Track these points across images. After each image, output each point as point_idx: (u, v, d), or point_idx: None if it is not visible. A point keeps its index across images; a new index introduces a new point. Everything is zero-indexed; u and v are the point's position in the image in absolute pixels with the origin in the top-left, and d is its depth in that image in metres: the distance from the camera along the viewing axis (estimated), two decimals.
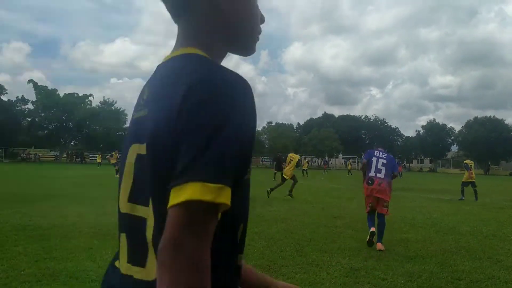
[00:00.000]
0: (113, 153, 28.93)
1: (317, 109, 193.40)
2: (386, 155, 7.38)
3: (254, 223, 8.57)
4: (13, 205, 10.24)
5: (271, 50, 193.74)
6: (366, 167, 7.26)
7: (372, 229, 6.73)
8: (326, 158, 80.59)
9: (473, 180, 15.80)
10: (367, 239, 6.65)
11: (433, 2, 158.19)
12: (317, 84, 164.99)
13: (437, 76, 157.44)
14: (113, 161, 28.43)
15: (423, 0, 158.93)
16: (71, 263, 5.07)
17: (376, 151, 7.45)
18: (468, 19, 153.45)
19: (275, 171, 27.89)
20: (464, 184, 16.01)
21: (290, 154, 15.79)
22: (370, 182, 7.08)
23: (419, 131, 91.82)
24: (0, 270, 4.70)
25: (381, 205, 7.01)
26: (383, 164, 7.13)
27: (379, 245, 6.56)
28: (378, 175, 7.05)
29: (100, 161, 46.29)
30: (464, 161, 17.17)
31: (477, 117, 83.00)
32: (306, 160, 54.80)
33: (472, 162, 17.09)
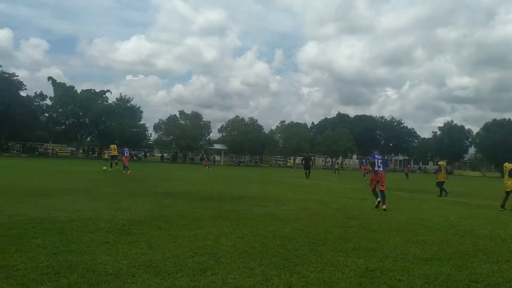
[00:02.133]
0: (112, 146, 30.35)
1: (331, 109, 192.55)
2: (381, 156, 12.51)
3: (268, 222, 8.58)
4: (31, 199, 10.41)
5: (285, 49, 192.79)
6: (372, 164, 12.26)
7: (378, 199, 11.84)
8: (340, 158, 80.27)
9: (444, 180, 18.05)
10: (375, 205, 11.80)
11: (451, 2, 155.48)
12: (331, 83, 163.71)
13: (454, 77, 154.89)
14: (114, 153, 29.38)
15: (440, 0, 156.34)
16: (88, 256, 5.13)
17: (375, 154, 12.41)
18: (487, 20, 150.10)
19: (306, 171, 30.01)
20: (440, 183, 18.01)
21: (506, 164, 14.02)
22: (376, 173, 12.07)
23: (435, 133, 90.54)
24: (19, 262, 4.77)
25: (381, 184, 11.93)
26: (380, 163, 12.20)
27: (384, 206, 11.51)
28: (379, 169, 12.10)
29: (107, 157, 46.60)
30: (438, 163, 19.25)
31: (495, 119, 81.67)
32: (337, 161, 56.55)
33: (444, 163, 18.78)
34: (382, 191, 11.78)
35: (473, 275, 5.17)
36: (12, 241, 5.75)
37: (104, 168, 28.20)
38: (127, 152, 27.89)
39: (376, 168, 12.08)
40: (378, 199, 11.79)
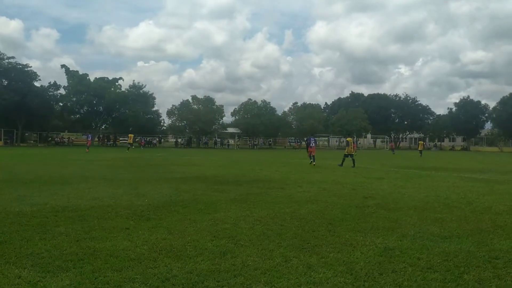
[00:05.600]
0: (130, 135, 44.72)
1: (344, 88, 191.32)
2: (314, 139, 23.20)
3: (285, 204, 8.63)
4: (51, 187, 10.61)
5: (295, 29, 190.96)
6: (309, 143, 22.49)
7: (313, 163, 20.86)
8: (355, 138, 79.71)
9: (352, 153, 21.91)
10: (312, 164, 20.83)
11: None
12: (343, 63, 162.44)
13: (468, 51, 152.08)
14: (130, 141, 43.42)
15: None
16: (110, 243, 5.23)
17: (311, 137, 23.05)
18: None
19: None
20: (346, 155, 21.77)
21: None
22: (311, 147, 22.05)
23: (451, 109, 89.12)
24: (44, 250, 4.89)
25: (313, 153, 21.58)
26: (313, 141, 22.72)
27: (314, 163, 20.76)
28: (313, 145, 22.31)
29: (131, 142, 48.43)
30: (346, 139, 24.99)
31: None
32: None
33: (351, 139, 23.60)
34: (313, 157, 21.46)
35: (493, 252, 5.15)
36: (36, 229, 5.89)
37: (127, 151, 38.68)
38: (89, 137, 46.05)
39: (311, 145, 22.26)
40: (313, 163, 20.91)
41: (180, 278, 4.04)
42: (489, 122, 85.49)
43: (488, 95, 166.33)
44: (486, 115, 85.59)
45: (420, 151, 41.53)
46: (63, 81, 66.26)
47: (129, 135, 45.20)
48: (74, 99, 65.57)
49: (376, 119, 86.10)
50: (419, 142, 47.43)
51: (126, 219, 6.75)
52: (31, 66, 60.90)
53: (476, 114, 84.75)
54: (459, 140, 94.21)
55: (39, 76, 61.64)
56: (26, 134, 63.01)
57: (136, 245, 5.14)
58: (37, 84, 61.45)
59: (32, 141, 62.60)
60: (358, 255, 4.92)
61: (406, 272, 4.35)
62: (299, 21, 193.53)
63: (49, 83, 64.20)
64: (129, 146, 42.17)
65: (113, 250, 4.91)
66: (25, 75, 58.51)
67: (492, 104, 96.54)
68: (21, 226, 6.11)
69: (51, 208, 7.62)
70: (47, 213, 7.13)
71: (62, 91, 65.51)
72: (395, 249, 5.18)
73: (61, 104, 66.46)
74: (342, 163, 21.39)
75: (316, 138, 26.10)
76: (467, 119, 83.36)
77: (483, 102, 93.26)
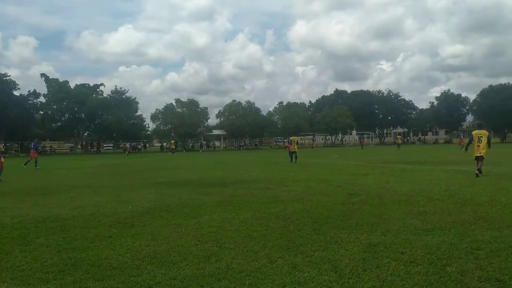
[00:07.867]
0: (172, 141, 56.11)
1: (328, 86, 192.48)
2: (290, 139, 25.25)
3: (271, 204, 8.61)
4: (32, 198, 10.42)
5: (276, 29, 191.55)
6: (288, 142, 26.19)
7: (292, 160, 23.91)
8: (335, 136, 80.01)
9: (296, 151, 24.38)
10: (290, 161, 23.95)
11: None
12: (325, 61, 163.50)
13: (446, 46, 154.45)
14: (172, 146, 52.88)
15: None
16: (92, 252, 5.15)
17: (288, 137, 26.63)
18: None
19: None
20: (290, 153, 24.71)
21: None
22: (289, 144, 25.45)
23: (433, 103, 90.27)
24: (24, 262, 4.79)
25: (292, 149, 24.35)
26: (291, 142, 24.72)
27: (296, 161, 23.50)
28: (289, 144, 25.26)
29: (173, 147, 54.01)
30: (290, 138, 25.65)
31: (491, 85, 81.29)
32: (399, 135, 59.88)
33: (295, 138, 25.60)
34: (295, 152, 24.13)
35: (474, 243, 5.19)
36: (16, 241, 5.78)
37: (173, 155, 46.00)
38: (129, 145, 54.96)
39: (288, 144, 26.15)
40: (292, 160, 23.83)
41: (164, 285, 3.99)
42: (470, 115, 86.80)
43: (468, 88, 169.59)
44: (467, 107, 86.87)
45: (398, 145, 46.14)
46: (43, 89, 65.48)
47: (171, 141, 56.31)
48: (55, 107, 64.77)
49: (361, 116, 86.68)
50: (397, 136, 55.01)
51: (109, 227, 6.66)
52: (9, 75, 60.16)
53: (457, 107, 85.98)
54: (442, 133, 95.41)
55: (18, 85, 60.96)
56: (8, 144, 61.93)
57: (118, 254, 5.07)
58: (16, 93, 60.68)
59: (13, 151, 61.57)
60: (342, 253, 4.92)
61: (389, 267, 4.37)
62: (279, 21, 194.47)
63: (28, 91, 63.57)
64: (172, 151, 50.88)
65: (95, 259, 4.83)
66: (4, 84, 57.68)
67: (472, 96, 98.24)
68: (1, 238, 5.99)
69: (32, 219, 7.48)
70: (28, 224, 6.99)
71: (42, 99, 64.76)
72: (379, 245, 5.19)
73: (42, 112, 65.59)
74: (291, 159, 24.21)
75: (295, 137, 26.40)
76: (448, 112, 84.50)
77: (463, 95, 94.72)
